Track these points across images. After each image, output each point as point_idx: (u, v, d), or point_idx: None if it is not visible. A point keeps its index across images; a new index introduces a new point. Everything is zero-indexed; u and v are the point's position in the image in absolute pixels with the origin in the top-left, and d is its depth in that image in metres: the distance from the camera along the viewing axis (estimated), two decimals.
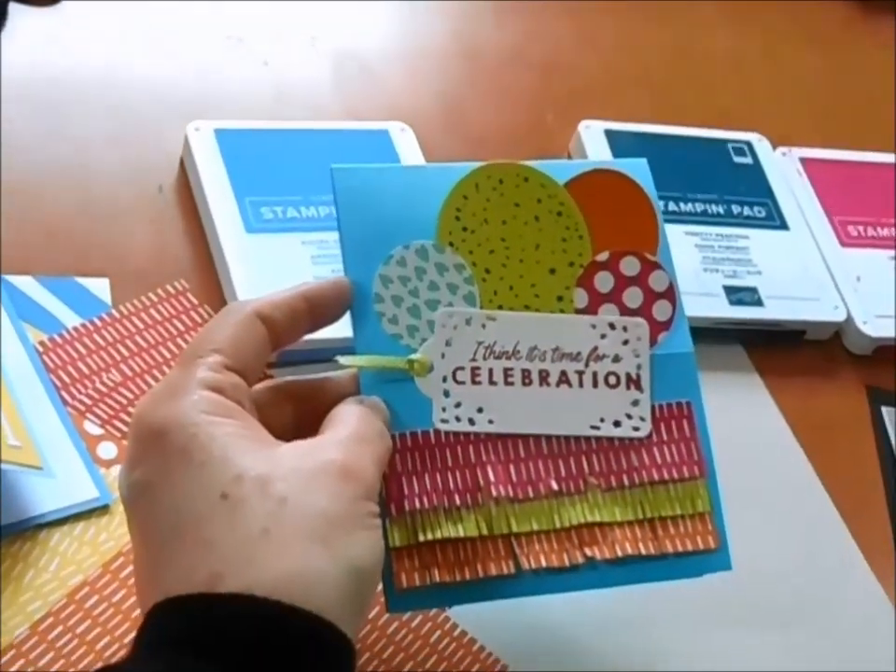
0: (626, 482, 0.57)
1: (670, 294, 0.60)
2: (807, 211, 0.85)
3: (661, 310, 0.60)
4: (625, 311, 0.59)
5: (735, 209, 0.83)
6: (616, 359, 0.58)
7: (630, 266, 0.60)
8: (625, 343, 0.59)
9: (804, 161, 0.88)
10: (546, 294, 0.58)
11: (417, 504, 0.55)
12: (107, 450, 0.64)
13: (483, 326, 0.57)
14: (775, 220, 0.84)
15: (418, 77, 0.89)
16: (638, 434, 0.58)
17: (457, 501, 0.55)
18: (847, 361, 0.81)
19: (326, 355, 0.61)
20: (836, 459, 0.76)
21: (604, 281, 0.59)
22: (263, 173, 0.74)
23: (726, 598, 0.64)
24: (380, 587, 0.53)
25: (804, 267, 0.82)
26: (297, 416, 0.56)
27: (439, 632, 0.61)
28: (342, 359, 0.55)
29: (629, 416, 0.58)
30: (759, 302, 0.79)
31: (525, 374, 0.57)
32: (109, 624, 0.58)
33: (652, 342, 0.59)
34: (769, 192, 0.85)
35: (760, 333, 0.79)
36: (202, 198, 0.74)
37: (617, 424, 0.58)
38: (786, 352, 0.80)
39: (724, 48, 1.00)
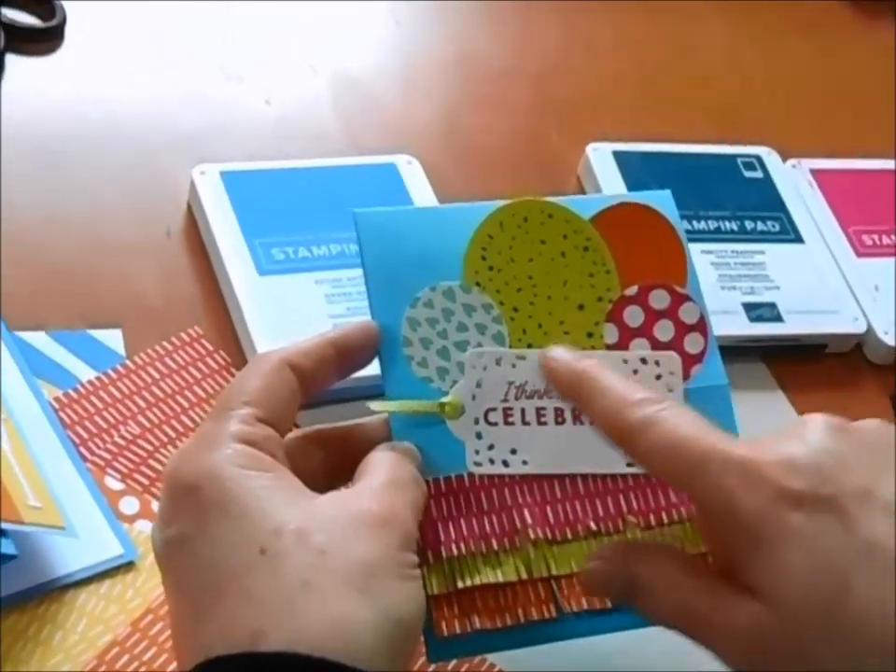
0: (665, 519, 0.56)
1: (701, 326, 0.59)
2: (821, 223, 0.84)
3: (692, 343, 0.59)
4: (657, 345, 0.58)
5: (749, 224, 0.82)
6: None
7: (659, 299, 0.59)
8: (658, 377, 0.57)
9: (814, 172, 0.87)
10: (576, 331, 0.58)
11: (454, 550, 0.54)
12: (130, 505, 0.63)
13: (514, 365, 0.56)
14: (789, 234, 0.83)
15: (421, 101, 0.88)
16: None
17: (495, 545, 0.54)
18: (870, 372, 0.81)
19: (352, 394, 0.61)
20: None
21: (634, 315, 0.58)
22: (272, 213, 0.73)
23: None
24: None
25: (821, 279, 0.81)
26: (327, 464, 0.55)
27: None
28: (372, 405, 0.54)
29: None
30: (778, 318, 0.78)
31: (558, 413, 0.56)
32: None
33: (686, 375, 0.58)
34: (782, 206, 0.84)
35: (781, 348, 0.79)
36: (211, 242, 0.73)
37: None
38: (808, 366, 0.79)
39: (725, 52, 0.99)
